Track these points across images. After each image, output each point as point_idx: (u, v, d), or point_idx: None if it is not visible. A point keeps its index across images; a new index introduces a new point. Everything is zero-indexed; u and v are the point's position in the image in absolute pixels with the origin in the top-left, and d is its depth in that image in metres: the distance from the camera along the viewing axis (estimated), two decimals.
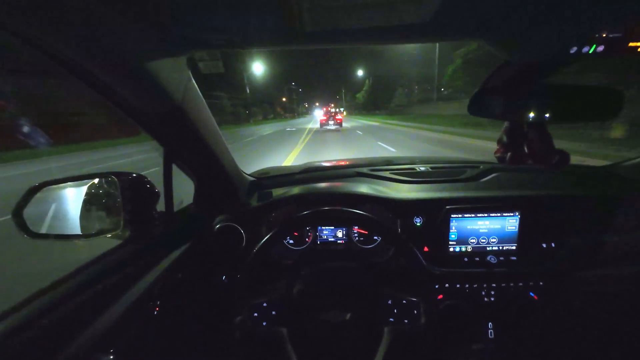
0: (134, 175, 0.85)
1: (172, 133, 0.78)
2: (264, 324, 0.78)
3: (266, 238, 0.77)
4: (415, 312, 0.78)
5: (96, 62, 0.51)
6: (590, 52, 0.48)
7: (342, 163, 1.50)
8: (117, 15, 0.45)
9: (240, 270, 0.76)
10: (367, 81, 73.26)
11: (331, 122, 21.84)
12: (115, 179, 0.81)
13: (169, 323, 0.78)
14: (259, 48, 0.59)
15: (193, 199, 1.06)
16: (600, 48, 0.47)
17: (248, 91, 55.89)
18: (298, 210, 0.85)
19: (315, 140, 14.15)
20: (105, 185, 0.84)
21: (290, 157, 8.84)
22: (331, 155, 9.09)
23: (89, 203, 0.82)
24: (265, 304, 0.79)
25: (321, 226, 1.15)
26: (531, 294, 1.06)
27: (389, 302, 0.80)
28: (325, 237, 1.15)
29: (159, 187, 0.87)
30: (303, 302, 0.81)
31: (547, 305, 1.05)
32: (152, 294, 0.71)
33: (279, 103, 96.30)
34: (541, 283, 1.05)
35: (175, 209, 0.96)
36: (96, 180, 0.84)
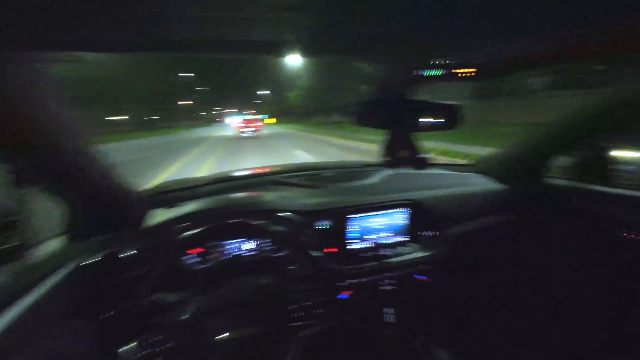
0: None
1: (25, 147, 0.67)
2: None
3: (158, 263, 0.78)
4: (320, 311, 0.87)
5: None
6: (426, 75, 0.62)
7: (254, 172, 1.55)
8: None
9: (128, 303, 0.74)
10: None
11: (248, 129, 22.19)
12: None
13: None
14: (96, 51, 0.62)
15: (62, 226, 0.91)
16: (433, 72, 0.61)
17: None
18: (195, 227, 0.85)
19: None
20: None
21: None
22: None
23: None
24: (161, 336, 0.76)
25: (226, 240, 1.13)
26: (422, 277, 1.27)
27: (295, 306, 0.87)
28: (233, 250, 1.14)
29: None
30: (204, 327, 0.81)
31: (435, 285, 1.29)
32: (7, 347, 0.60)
33: (175, 107, 72.90)
34: (429, 267, 1.28)
35: (38, 238, 0.82)
36: None
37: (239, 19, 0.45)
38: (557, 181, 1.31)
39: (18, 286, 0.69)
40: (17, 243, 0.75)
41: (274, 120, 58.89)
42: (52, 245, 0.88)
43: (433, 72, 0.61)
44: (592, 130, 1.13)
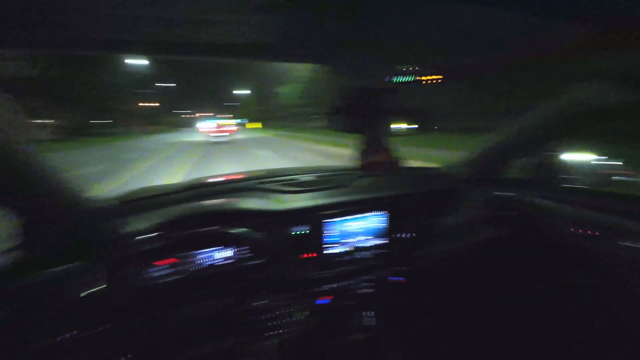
0: None
1: None
2: None
3: (120, 276, 0.72)
4: (288, 320, 0.85)
5: None
6: (396, 81, 0.64)
7: (228, 178, 1.51)
8: None
9: (95, 321, 0.72)
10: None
11: (220, 134, 21.82)
12: None
13: None
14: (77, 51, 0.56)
15: (16, 243, 0.81)
16: (401, 79, 0.63)
17: None
18: (166, 236, 0.82)
19: None
20: None
21: None
22: None
23: None
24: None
25: (199, 249, 1.07)
26: (400, 278, 1.33)
27: (271, 315, 0.86)
28: (206, 260, 1.09)
29: None
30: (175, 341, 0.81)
31: (413, 286, 1.34)
32: None
33: (127, 109, 57.69)
34: (405, 268, 1.33)
35: None
36: None
37: (221, 21, 0.45)
38: (519, 181, 1.38)
39: None
40: None
41: (258, 124, 46.43)
42: None
43: (402, 79, 0.63)
44: (546, 135, 1.19)
